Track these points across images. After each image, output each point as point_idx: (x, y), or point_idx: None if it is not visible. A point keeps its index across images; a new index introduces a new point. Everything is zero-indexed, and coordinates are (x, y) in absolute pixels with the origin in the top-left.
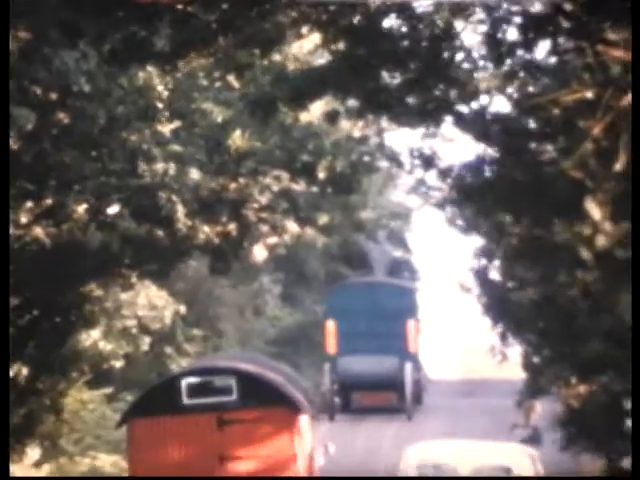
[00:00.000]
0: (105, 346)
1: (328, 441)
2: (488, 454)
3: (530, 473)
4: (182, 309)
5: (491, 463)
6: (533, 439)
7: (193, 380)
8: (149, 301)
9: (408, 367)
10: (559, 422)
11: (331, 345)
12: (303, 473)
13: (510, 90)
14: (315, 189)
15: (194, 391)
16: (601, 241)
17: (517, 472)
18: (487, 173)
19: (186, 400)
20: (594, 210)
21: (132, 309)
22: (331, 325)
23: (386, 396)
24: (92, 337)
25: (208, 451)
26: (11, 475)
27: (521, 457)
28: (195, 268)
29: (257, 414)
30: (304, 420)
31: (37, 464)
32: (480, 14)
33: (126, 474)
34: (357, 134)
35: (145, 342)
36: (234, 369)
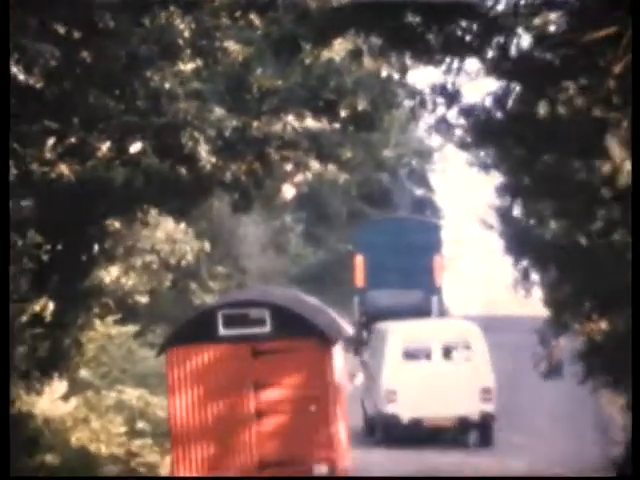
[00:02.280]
0: (127, 281)
1: (357, 371)
2: (451, 331)
3: (480, 345)
4: (207, 246)
5: (454, 339)
6: (555, 372)
7: (229, 312)
8: (168, 236)
9: (434, 300)
10: (579, 355)
11: (359, 279)
12: (333, 401)
13: (532, 27)
14: (337, 127)
15: (230, 322)
16: (622, 180)
17: (474, 346)
18: (509, 110)
19: (222, 331)
20: (614, 148)
21: (150, 244)
22: (360, 260)
23: None
24: (112, 274)
25: (243, 378)
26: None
27: (474, 332)
28: (219, 207)
29: (289, 345)
30: (335, 351)
31: (64, 397)
32: None
33: (151, 407)
34: (380, 72)
35: (168, 278)
36: (268, 302)
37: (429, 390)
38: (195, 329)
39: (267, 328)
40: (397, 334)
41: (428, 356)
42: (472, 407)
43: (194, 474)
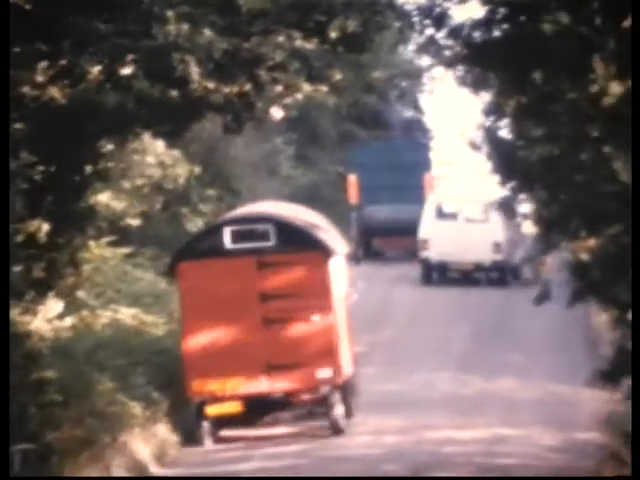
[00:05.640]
0: (118, 205)
1: (358, 280)
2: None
3: (495, 216)
4: (197, 170)
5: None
6: (543, 295)
7: (235, 227)
8: (158, 160)
9: None
10: (568, 272)
11: (353, 197)
12: (337, 309)
13: None
14: (327, 48)
15: (236, 237)
16: (607, 100)
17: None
18: (497, 32)
19: (229, 245)
20: (600, 68)
21: (140, 168)
22: (353, 179)
23: (407, 241)
24: (104, 197)
25: (249, 290)
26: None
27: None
28: (210, 130)
29: (293, 257)
30: (337, 261)
31: (60, 317)
32: None
33: (145, 327)
34: None
35: (159, 201)
36: (272, 216)
37: (454, 241)
38: (203, 244)
39: (271, 241)
40: (432, 199)
41: (455, 217)
42: (486, 256)
43: (206, 380)
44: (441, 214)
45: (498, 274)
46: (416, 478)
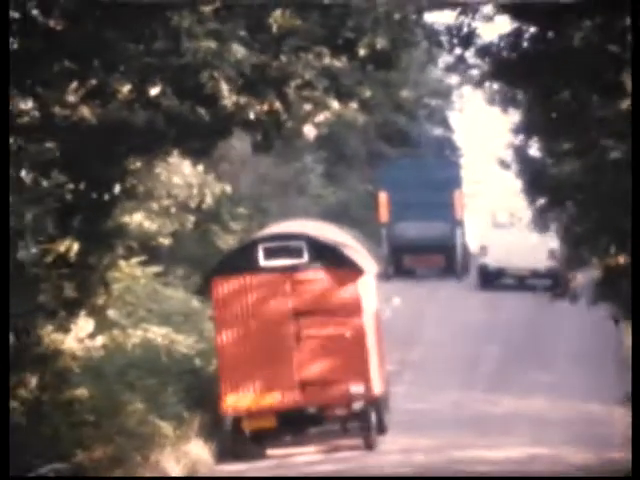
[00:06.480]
0: (150, 226)
1: (392, 296)
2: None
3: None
4: (228, 189)
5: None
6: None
7: (268, 244)
8: (185, 181)
9: (459, 232)
10: (594, 281)
11: (384, 215)
12: (368, 326)
13: None
14: (356, 65)
15: (269, 254)
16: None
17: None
18: (525, 48)
19: (262, 262)
20: (629, 84)
21: (166, 189)
22: (383, 197)
23: (437, 258)
24: (135, 218)
25: (282, 306)
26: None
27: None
28: (239, 149)
29: (325, 274)
30: (367, 280)
31: (91, 336)
32: None
33: (176, 346)
34: (396, 13)
35: (190, 220)
36: (305, 234)
37: (511, 248)
38: (237, 260)
39: (304, 259)
40: (483, 209)
41: (511, 225)
42: (541, 262)
43: (240, 395)
44: (496, 222)
45: (552, 281)
46: (418, 478)
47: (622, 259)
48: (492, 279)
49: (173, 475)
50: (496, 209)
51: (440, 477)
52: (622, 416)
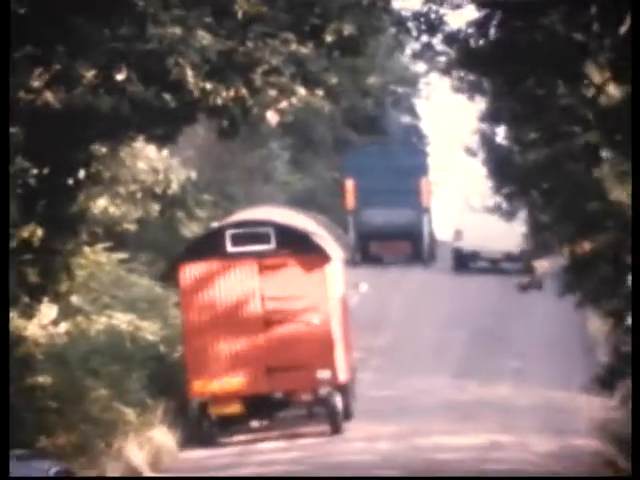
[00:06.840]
0: (115, 211)
1: (359, 282)
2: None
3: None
4: (193, 175)
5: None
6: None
7: (236, 230)
8: (150, 166)
9: (425, 219)
10: (561, 269)
11: (350, 201)
12: (335, 312)
13: None
14: (323, 52)
15: (237, 240)
16: (603, 101)
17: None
18: (492, 37)
19: (230, 248)
20: (594, 73)
21: (131, 174)
22: (350, 183)
23: (403, 245)
24: (100, 204)
25: (249, 292)
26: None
27: None
28: (205, 136)
29: (292, 260)
30: (335, 266)
31: (54, 322)
32: None
33: (141, 333)
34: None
35: (155, 207)
36: (272, 221)
37: (485, 232)
38: (205, 246)
39: (271, 245)
40: (457, 195)
41: (485, 210)
42: (515, 246)
43: (207, 380)
44: (470, 207)
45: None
46: (415, 478)
47: (587, 245)
48: (466, 262)
49: (138, 462)
50: (469, 194)
51: (439, 477)
52: (585, 403)
